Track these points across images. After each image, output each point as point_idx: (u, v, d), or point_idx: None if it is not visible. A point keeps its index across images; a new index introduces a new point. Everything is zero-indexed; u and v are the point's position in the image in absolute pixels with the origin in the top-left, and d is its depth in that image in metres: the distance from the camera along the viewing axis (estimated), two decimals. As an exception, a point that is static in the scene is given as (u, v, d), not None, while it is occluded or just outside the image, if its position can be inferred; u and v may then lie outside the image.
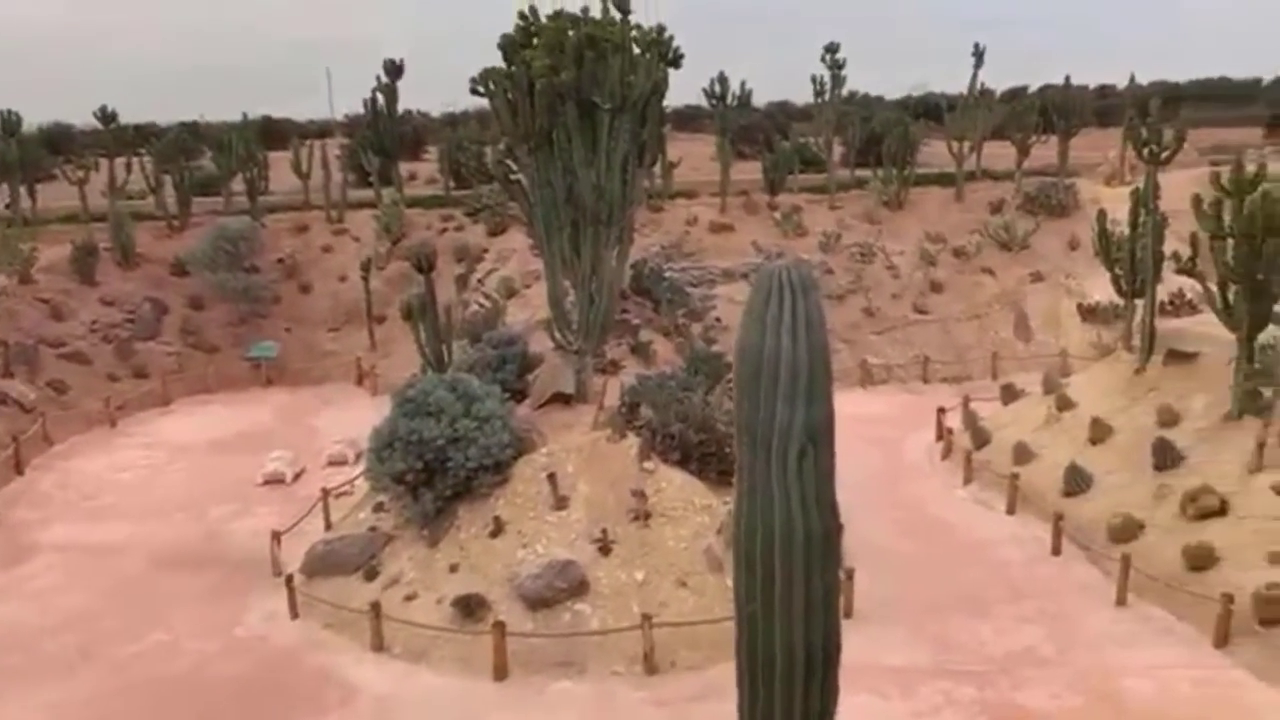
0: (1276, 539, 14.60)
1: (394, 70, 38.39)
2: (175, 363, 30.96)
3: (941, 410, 24.05)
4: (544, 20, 18.03)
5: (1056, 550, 17.34)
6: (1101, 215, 23.59)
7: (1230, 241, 17.12)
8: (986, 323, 31.71)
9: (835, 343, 29.92)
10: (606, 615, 14.39)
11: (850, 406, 23.41)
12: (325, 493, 19.74)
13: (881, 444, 23.28)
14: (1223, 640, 13.73)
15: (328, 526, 18.91)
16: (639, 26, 18.49)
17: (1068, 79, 40.85)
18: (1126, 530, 16.48)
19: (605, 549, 15.10)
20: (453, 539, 15.94)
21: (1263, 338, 17.16)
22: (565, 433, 17.63)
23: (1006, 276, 32.83)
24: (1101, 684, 13.14)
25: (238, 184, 37.34)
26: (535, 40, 17.94)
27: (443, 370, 18.92)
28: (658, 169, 33.04)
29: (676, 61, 19.52)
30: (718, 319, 29.16)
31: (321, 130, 60.35)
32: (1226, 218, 17.34)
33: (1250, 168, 17.91)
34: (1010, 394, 24.22)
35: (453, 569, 15.43)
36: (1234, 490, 16.00)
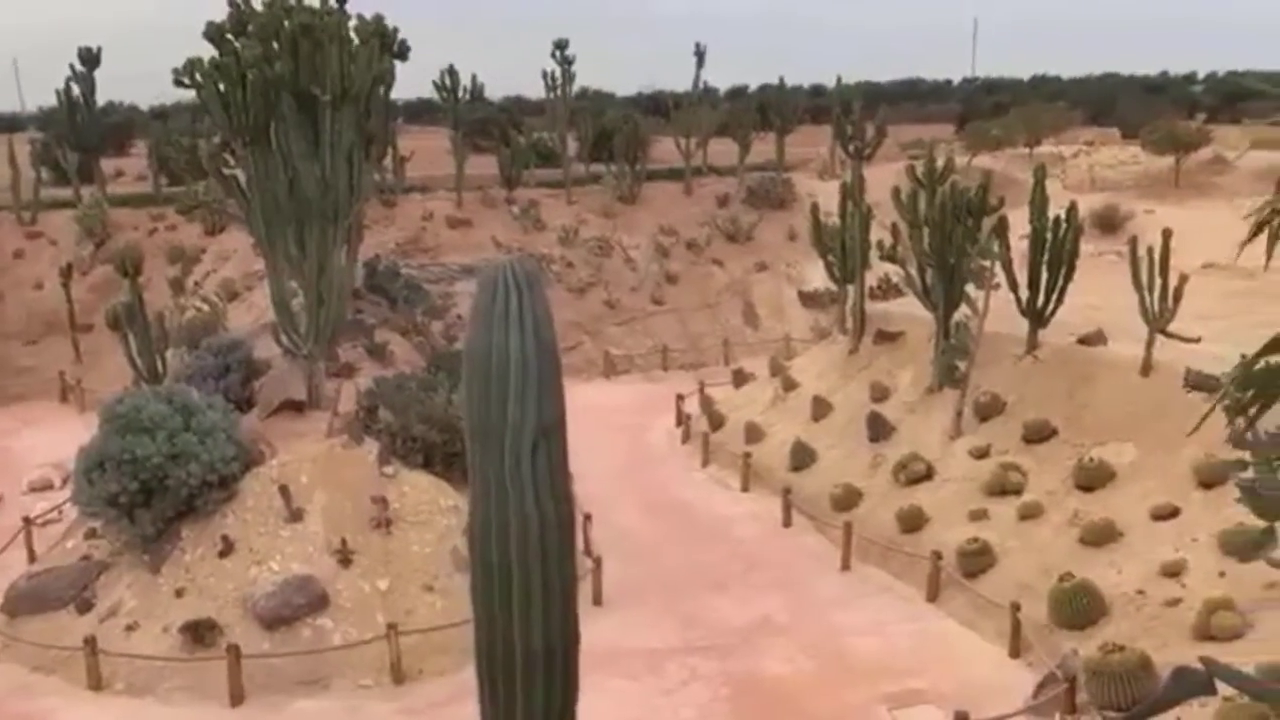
0: (973, 498, 16.14)
1: (90, 59, 35.38)
2: None
3: (680, 397, 24.93)
4: (258, 8, 17.07)
5: (787, 523, 18.39)
6: (814, 208, 25.23)
7: (925, 229, 18.72)
8: (718, 311, 33.10)
9: (579, 335, 30.38)
10: (350, 628, 13.89)
11: (596, 397, 24.15)
12: (27, 521, 17.90)
13: (626, 431, 23.83)
14: (934, 594, 15.03)
15: (31, 559, 17.15)
16: (360, 16, 17.89)
17: (782, 80, 43.41)
18: (847, 499, 17.71)
19: (346, 560, 14.56)
20: (177, 562, 14.85)
21: (956, 316, 18.89)
22: (298, 442, 16.82)
23: (735, 267, 34.39)
24: (831, 644, 14.06)
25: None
26: (248, 28, 16.95)
27: (157, 382, 17.58)
28: (388, 163, 32.14)
29: (403, 54, 19.03)
30: (459, 316, 28.76)
31: (10, 124, 54.86)
32: (922, 207, 18.95)
33: (940, 161, 19.66)
34: (741, 378, 25.44)
35: (179, 594, 14.38)
36: (937, 456, 17.55)
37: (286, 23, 16.89)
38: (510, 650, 6.55)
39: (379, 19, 18.11)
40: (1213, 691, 3.61)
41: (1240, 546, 11.60)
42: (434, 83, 36.93)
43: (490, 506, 6.47)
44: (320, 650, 13.59)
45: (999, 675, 12.76)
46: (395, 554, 14.91)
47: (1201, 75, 77.19)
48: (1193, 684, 3.60)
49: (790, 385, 22.55)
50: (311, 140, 17.26)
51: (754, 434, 21.37)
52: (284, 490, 15.13)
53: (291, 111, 17.02)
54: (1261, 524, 4.17)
